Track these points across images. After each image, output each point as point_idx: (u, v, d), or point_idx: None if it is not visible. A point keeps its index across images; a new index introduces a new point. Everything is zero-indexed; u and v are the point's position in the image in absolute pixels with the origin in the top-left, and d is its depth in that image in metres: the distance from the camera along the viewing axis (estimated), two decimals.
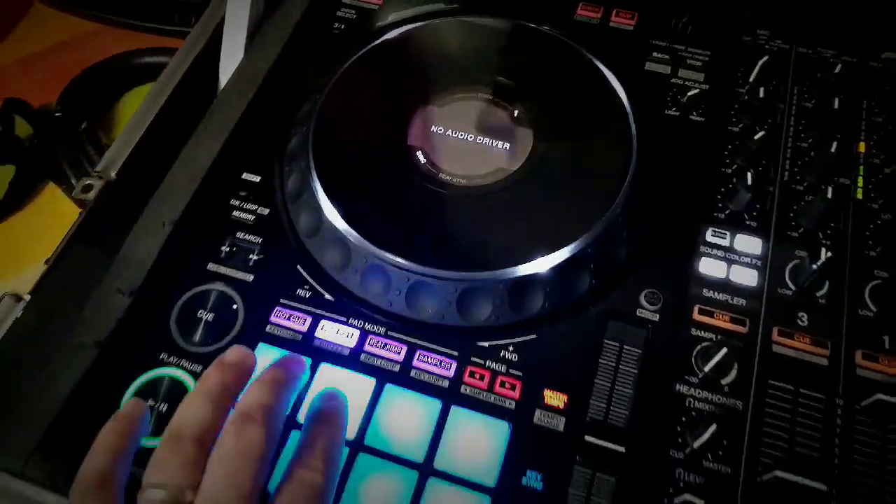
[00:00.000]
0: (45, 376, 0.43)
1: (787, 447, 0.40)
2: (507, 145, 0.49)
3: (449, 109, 0.51)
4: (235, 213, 0.49)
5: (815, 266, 0.43)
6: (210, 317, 0.46)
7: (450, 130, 0.50)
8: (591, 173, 0.47)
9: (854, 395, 0.41)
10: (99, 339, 0.43)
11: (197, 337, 0.45)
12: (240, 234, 0.48)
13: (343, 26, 0.57)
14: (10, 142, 0.68)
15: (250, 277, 0.47)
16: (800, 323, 0.44)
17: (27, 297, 0.45)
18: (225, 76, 0.54)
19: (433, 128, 0.50)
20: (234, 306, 0.46)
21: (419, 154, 0.48)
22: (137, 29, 0.77)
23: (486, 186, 0.47)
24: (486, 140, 0.49)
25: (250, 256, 0.48)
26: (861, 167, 0.49)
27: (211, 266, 0.47)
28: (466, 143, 0.49)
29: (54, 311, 0.45)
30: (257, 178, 0.51)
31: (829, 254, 0.43)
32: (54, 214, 0.67)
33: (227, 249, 0.48)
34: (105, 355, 0.44)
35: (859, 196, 0.48)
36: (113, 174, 0.48)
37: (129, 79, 0.75)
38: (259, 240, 0.48)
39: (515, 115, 0.50)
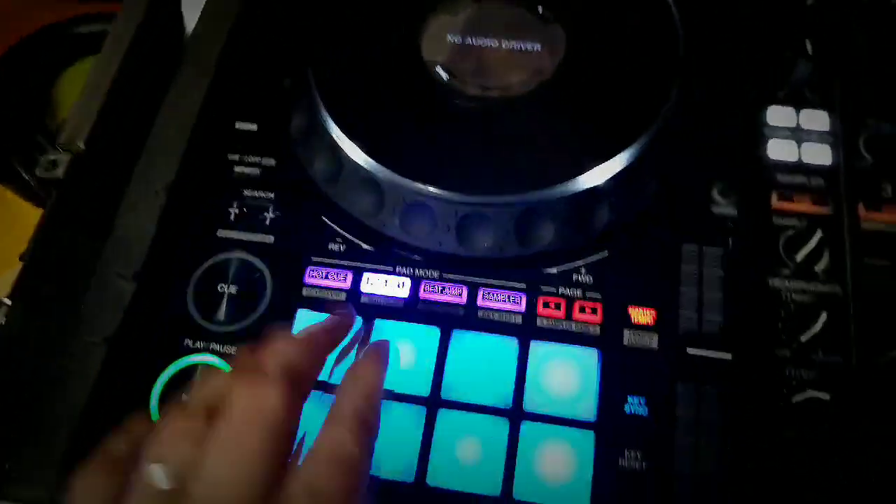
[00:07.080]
0: (54, 387, 0.36)
1: None
2: (538, 46, 0.43)
3: (463, 16, 0.45)
4: (237, 168, 0.42)
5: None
6: (233, 290, 0.39)
7: (469, 38, 0.43)
8: (638, 67, 0.42)
9: None
10: (108, 334, 0.37)
11: (221, 315, 0.39)
12: (247, 192, 0.42)
13: None
14: None
15: (270, 238, 0.41)
16: (885, 194, 0.40)
17: (7, 301, 0.38)
18: (191, 16, 0.47)
19: (449, 38, 0.44)
20: (258, 274, 0.40)
21: (439, 69, 0.42)
22: None
23: (524, 95, 0.41)
24: (514, 44, 0.43)
25: (265, 215, 0.41)
26: None
27: (221, 233, 0.41)
28: (490, 49, 0.43)
29: (44, 311, 0.38)
30: (254, 126, 0.44)
31: None
32: (7, 219, 0.58)
33: (237, 211, 0.41)
34: (118, 352, 0.37)
35: None
36: (80, 144, 0.41)
37: (65, 53, 0.65)
38: (271, 195, 0.42)
39: (541, 12, 0.44)
